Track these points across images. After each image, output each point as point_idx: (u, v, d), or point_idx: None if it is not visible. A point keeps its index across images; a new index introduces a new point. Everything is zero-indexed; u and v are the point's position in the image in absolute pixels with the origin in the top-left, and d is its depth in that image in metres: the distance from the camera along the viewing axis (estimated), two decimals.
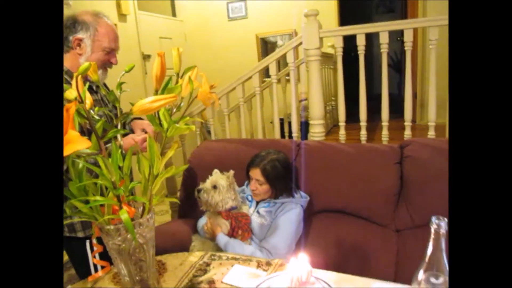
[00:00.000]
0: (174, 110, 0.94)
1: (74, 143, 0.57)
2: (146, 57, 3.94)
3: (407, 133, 2.31)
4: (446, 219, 0.74)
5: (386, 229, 1.71)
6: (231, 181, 1.65)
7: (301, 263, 0.95)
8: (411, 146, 1.75)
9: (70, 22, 1.39)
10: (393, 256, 1.61)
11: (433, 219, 0.75)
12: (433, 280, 0.75)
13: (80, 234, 1.42)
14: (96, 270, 1.35)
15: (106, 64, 1.47)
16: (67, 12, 1.43)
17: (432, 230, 0.75)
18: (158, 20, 4.28)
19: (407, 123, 2.31)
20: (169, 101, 0.71)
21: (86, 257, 1.42)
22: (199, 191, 1.64)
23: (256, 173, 1.63)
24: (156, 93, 0.83)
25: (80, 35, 1.38)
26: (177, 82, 0.85)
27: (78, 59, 1.41)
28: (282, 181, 1.65)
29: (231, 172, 1.65)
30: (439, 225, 0.74)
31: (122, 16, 3.64)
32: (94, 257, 1.02)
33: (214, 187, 1.63)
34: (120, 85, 0.93)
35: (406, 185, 1.70)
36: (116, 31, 1.49)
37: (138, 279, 0.95)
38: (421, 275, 0.77)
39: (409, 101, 2.30)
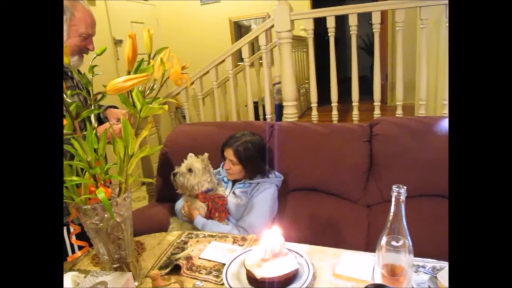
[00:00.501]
0: (148, 92, 0.96)
1: None
2: (117, 42, 3.86)
3: (376, 112, 2.39)
4: (405, 187, 0.80)
5: (357, 205, 1.79)
6: (206, 164, 1.68)
7: (274, 235, 1.00)
8: (380, 124, 1.82)
9: None
10: (364, 229, 1.69)
11: (394, 187, 0.81)
12: (394, 243, 0.81)
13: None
14: (73, 252, 1.37)
15: (82, 50, 1.44)
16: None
17: (393, 198, 0.81)
18: (129, 4, 4.17)
19: (376, 103, 2.40)
20: (141, 80, 0.73)
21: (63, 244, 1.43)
22: (174, 175, 1.67)
23: (229, 153, 1.67)
24: (128, 74, 0.84)
25: None
26: (148, 63, 0.86)
27: None
28: (254, 163, 1.69)
29: (206, 155, 1.68)
30: (399, 192, 0.80)
31: (91, 0, 3.53)
32: (72, 238, 1.03)
33: (190, 170, 1.65)
34: (92, 68, 0.93)
35: (375, 162, 1.78)
36: (93, 16, 1.45)
37: (117, 257, 0.98)
38: (383, 240, 0.83)
39: (378, 82, 2.37)
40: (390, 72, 4.21)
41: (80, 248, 1.06)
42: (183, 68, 0.91)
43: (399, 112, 2.35)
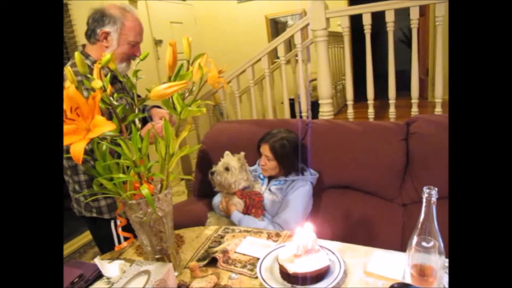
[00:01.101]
0: (187, 94, 1.02)
1: (101, 126, 0.65)
2: (158, 42, 4.01)
3: (414, 110, 2.34)
4: (436, 189, 0.81)
5: (393, 204, 1.78)
6: (242, 162, 1.73)
7: (306, 232, 1.03)
8: (417, 122, 1.79)
9: (98, 15, 1.42)
10: (399, 229, 1.68)
11: (425, 189, 0.82)
12: (424, 244, 0.82)
13: (106, 216, 1.54)
14: (119, 242, 1.48)
15: (130, 56, 1.51)
16: (96, 5, 1.48)
17: (424, 199, 0.82)
18: (168, 5, 4.32)
19: (414, 100, 2.35)
20: (181, 87, 0.78)
21: (110, 235, 1.54)
22: (212, 173, 1.73)
23: (265, 149, 1.71)
24: (169, 79, 0.91)
25: (107, 28, 1.41)
26: (188, 68, 0.92)
27: (104, 51, 1.45)
28: (289, 160, 1.72)
29: (242, 153, 1.73)
30: (430, 194, 0.81)
31: (132, 2, 3.69)
32: (119, 229, 1.13)
33: (227, 169, 1.71)
34: (136, 72, 1.01)
35: (412, 161, 1.76)
36: (142, 24, 1.51)
37: (158, 248, 1.05)
38: (414, 240, 0.84)
39: (415, 79, 2.32)
40: (431, 67, 4.07)
41: (126, 239, 1.15)
42: (219, 72, 0.96)
43: (438, 109, 2.29)
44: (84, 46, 1.51)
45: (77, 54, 0.71)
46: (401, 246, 1.63)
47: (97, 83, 0.70)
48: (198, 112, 0.90)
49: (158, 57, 4.00)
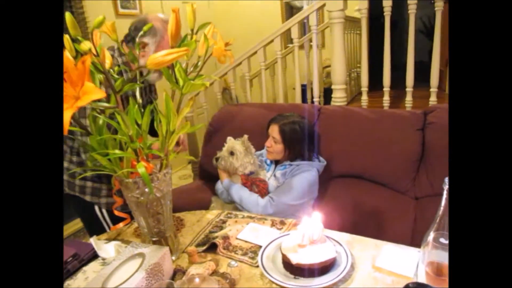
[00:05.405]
0: (191, 69, 0.95)
1: (90, 94, 0.59)
2: (167, 22, 3.92)
3: (432, 99, 2.23)
4: None
5: (405, 196, 1.70)
6: (247, 145, 1.66)
7: (313, 221, 0.96)
8: (435, 112, 1.70)
9: (141, 25, 1.40)
10: (410, 223, 1.60)
11: (446, 179, 0.74)
12: (442, 240, 0.75)
13: (88, 198, 1.49)
14: (109, 227, 1.45)
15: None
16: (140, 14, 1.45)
17: (445, 191, 0.74)
18: None
19: (433, 89, 2.23)
20: (181, 54, 0.71)
21: (95, 218, 1.51)
22: (217, 159, 1.67)
23: (274, 130, 1.63)
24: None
25: (146, 39, 1.39)
26: (191, 38, 0.85)
27: (139, 60, 1.42)
28: (298, 145, 1.64)
29: (245, 136, 1.66)
30: None
31: None
32: (116, 209, 1.07)
33: (231, 153, 1.64)
34: (139, 45, 0.94)
35: (428, 152, 1.67)
36: (181, 35, 1.50)
37: (156, 231, 1.00)
38: (431, 236, 0.77)
39: (436, 66, 2.20)
40: None
41: (117, 222, 1.10)
42: (226, 44, 0.88)
43: None
44: (122, 43, 1.49)
45: (68, 15, 0.64)
46: (412, 241, 1.56)
47: (85, 45, 0.63)
48: (202, 86, 0.83)
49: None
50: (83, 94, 0.60)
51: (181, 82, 0.86)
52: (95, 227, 1.47)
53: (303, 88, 2.93)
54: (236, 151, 1.63)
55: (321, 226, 0.97)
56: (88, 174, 1.41)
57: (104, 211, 1.50)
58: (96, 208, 1.49)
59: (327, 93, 2.79)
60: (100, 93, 0.59)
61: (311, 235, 0.96)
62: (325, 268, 0.93)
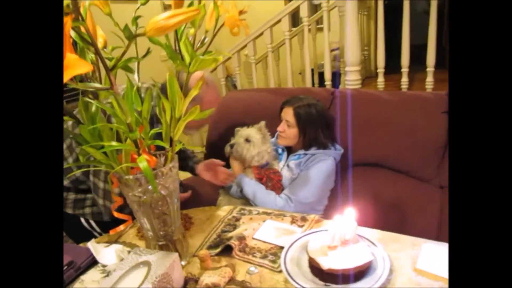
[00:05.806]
0: (198, 45, 0.81)
1: (73, 68, 0.45)
2: (167, 7, 3.74)
3: (429, 80, 2.08)
4: None
5: (429, 185, 1.57)
6: (264, 133, 1.52)
7: (346, 219, 0.83)
8: None
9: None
10: (436, 214, 1.48)
11: None
12: None
13: (69, 211, 1.33)
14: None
15: (200, 124, 1.46)
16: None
17: None
18: None
19: (429, 68, 2.08)
20: (190, 17, 0.56)
21: (82, 230, 1.35)
22: (232, 146, 1.52)
23: (288, 113, 1.49)
24: None
25: None
26: (199, 3, 0.70)
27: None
28: (313, 130, 1.50)
29: (262, 123, 1.52)
30: None
31: None
32: (115, 210, 0.93)
33: (247, 140, 1.50)
34: (135, 19, 0.79)
35: None
36: (219, 93, 1.42)
37: (162, 234, 0.86)
38: None
39: (432, 47, 2.05)
40: None
41: (113, 226, 0.96)
42: (240, 12, 0.74)
43: None
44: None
45: None
46: (438, 234, 1.44)
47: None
48: (213, 62, 0.69)
49: (164, 7, 3.62)
50: (65, 68, 0.45)
51: (187, 59, 0.71)
52: (86, 240, 1.33)
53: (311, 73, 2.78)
54: (253, 138, 1.49)
55: (354, 224, 0.84)
56: (66, 182, 1.26)
57: (92, 222, 1.34)
58: (82, 220, 1.34)
59: (335, 76, 2.63)
60: (86, 66, 0.45)
61: (343, 235, 0.83)
62: (360, 273, 0.80)
